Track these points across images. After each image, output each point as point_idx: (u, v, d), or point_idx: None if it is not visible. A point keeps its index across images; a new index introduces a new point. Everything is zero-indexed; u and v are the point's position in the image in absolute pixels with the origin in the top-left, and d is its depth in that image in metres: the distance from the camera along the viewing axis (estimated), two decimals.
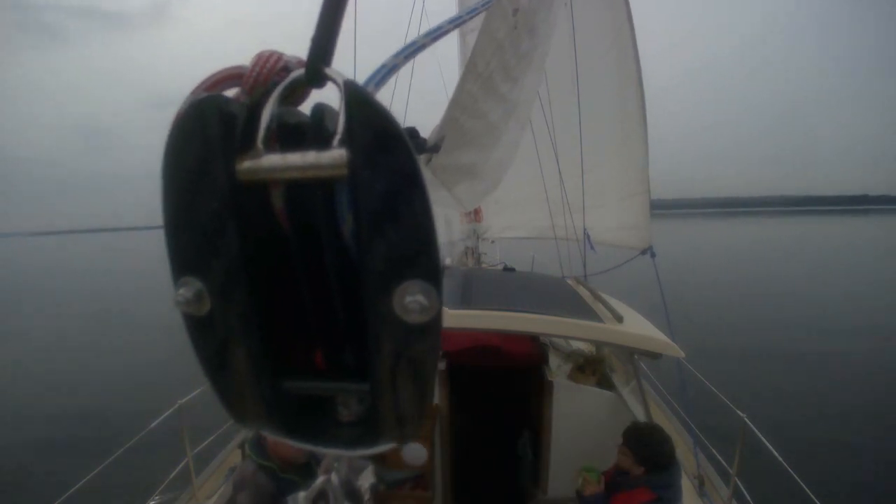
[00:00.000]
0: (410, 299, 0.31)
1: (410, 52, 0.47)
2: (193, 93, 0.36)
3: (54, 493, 2.64)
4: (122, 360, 11.91)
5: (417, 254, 0.32)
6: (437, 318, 0.33)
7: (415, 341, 0.33)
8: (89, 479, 2.81)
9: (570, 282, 3.69)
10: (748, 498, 2.70)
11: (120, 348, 13.18)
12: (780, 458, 2.62)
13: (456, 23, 0.69)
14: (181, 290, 0.34)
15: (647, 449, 2.10)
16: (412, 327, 0.32)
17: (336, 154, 0.31)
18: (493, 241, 8.75)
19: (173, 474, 3.01)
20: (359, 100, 0.31)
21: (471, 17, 0.86)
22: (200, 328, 0.35)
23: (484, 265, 7.61)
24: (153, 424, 3.13)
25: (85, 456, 5.06)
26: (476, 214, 7.96)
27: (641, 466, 2.09)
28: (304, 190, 0.35)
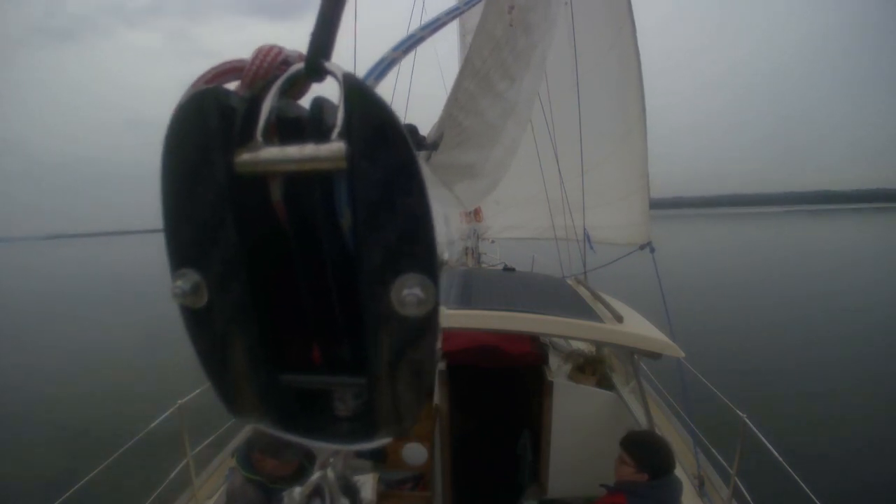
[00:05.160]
0: (408, 292, 0.31)
1: (409, 45, 0.47)
2: (193, 85, 0.36)
3: (55, 493, 2.64)
4: (123, 360, 11.91)
5: (415, 247, 0.32)
6: (435, 311, 0.33)
7: (412, 335, 0.33)
8: (89, 479, 2.81)
9: (570, 282, 3.69)
10: (748, 498, 2.69)
11: (120, 349, 13.18)
12: (780, 458, 2.61)
13: (453, 14, 0.69)
14: (178, 282, 0.34)
15: (648, 454, 1.91)
16: (409, 321, 0.32)
17: (335, 147, 0.31)
18: (492, 241, 8.74)
19: (173, 474, 3.00)
20: (358, 93, 0.31)
21: (469, 8, 0.85)
22: (197, 321, 0.35)
23: (484, 265, 7.60)
24: (153, 424, 3.13)
25: (85, 456, 5.06)
26: (476, 214, 7.95)
27: (644, 473, 1.89)
28: (303, 183, 0.35)
